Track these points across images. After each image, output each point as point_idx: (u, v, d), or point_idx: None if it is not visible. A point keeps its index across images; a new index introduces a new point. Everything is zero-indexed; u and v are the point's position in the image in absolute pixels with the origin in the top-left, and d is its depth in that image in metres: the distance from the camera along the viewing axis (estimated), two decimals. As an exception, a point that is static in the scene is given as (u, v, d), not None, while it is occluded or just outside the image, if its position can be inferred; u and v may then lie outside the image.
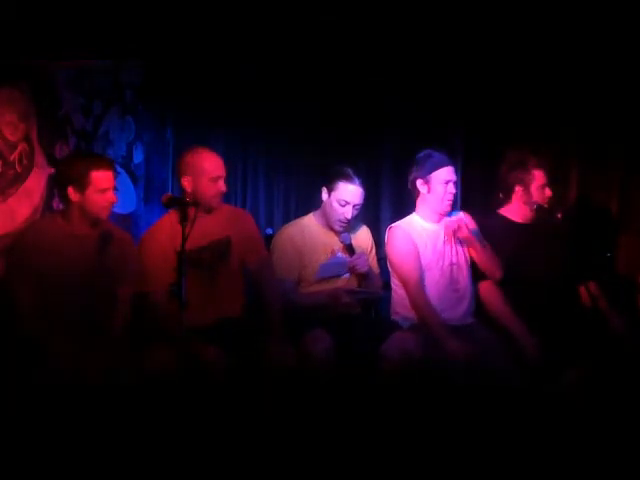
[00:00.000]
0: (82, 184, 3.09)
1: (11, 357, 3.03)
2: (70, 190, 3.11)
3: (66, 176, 3.14)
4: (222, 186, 3.28)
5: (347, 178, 3.43)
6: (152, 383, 2.96)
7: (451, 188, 3.50)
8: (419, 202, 3.58)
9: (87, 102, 4.07)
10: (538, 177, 3.63)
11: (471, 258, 3.58)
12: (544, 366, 3.26)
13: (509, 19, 3.94)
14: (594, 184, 4.45)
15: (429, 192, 3.52)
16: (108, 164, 3.20)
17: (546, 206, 3.65)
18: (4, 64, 3.69)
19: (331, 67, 4.22)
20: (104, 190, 3.12)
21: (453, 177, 3.52)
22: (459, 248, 3.57)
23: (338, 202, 3.44)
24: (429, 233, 3.55)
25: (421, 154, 3.55)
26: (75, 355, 3.00)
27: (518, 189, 3.65)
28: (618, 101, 4.24)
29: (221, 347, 3.09)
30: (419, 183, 3.53)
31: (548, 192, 3.64)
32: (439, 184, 3.50)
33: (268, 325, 3.24)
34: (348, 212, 3.44)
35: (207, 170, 3.25)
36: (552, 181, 3.69)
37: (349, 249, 3.49)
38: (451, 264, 3.53)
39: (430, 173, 3.50)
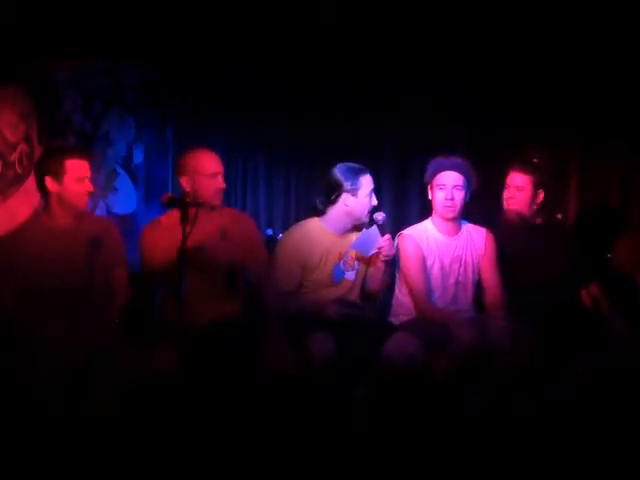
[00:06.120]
0: (58, 173, 3.14)
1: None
2: (48, 180, 3.15)
3: (43, 166, 3.20)
4: (221, 182, 3.28)
5: (362, 171, 3.45)
6: (152, 383, 2.96)
7: (447, 194, 3.44)
8: (433, 208, 3.56)
9: (87, 102, 4.08)
10: (513, 180, 3.65)
11: (479, 276, 3.56)
12: (545, 367, 3.26)
13: (510, 19, 3.94)
14: (594, 184, 4.45)
15: (432, 197, 3.52)
16: (83, 153, 3.27)
17: (516, 212, 3.64)
18: (4, 64, 3.69)
19: (332, 68, 4.21)
20: (81, 179, 3.18)
21: (450, 182, 3.44)
22: (468, 267, 3.54)
23: (367, 195, 3.44)
24: (439, 246, 3.52)
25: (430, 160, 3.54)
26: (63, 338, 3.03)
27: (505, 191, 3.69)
28: (618, 101, 4.24)
29: (219, 348, 3.10)
30: (428, 189, 3.54)
31: (521, 197, 3.63)
32: (437, 189, 3.48)
33: (267, 329, 3.23)
34: (374, 198, 3.47)
35: (204, 167, 3.26)
36: (546, 182, 3.70)
37: (382, 228, 3.43)
38: (456, 282, 3.52)
39: (432, 178, 3.50)
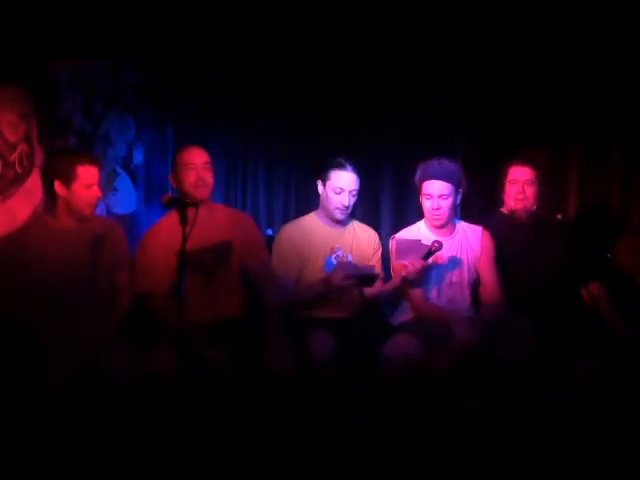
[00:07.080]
0: (68, 178, 3.15)
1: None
2: (57, 184, 3.16)
3: (53, 170, 3.20)
4: (201, 172, 3.29)
5: (338, 166, 3.45)
6: (152, 384, 2.96)
7: (433, 204, 3.43)
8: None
9: (87, 102, 4.07)
10: (512, 173, 3.61)
11: (476, 276, 3.55)
12: (545, 367, 3.26)
13: (510, 19, 3.94)
14: (594, 184, 4.45)
15: (421, 202, 3.52)
16: (93, 160, 3.27)
17: (524, 209, 3.61)
18: (5, 64, 3.69)
19: (332, 68, 4.21)
20: (90, 185, 3.18)
21: (436, 191, 3.42)
22: (464, 266, 3.52)
23: (333, 190, 3.45)
24: None
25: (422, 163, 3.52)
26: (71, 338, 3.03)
27: (506, 187, 3.65)
28: (618, 101, 4.24)
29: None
30: (419, 192, 3.54)
31: (530, 191, 3.60)
32: (423, 197, 3.49)
33: (267, 329, 3.23)
34: (345, 199, 3.44)
35: (182, 158, 3.32)
36: (546, 181, 3.68)
37: (428, 254, 3.38)
38: (451, 283, 3.50)
39: (420, 185, 3.50)
